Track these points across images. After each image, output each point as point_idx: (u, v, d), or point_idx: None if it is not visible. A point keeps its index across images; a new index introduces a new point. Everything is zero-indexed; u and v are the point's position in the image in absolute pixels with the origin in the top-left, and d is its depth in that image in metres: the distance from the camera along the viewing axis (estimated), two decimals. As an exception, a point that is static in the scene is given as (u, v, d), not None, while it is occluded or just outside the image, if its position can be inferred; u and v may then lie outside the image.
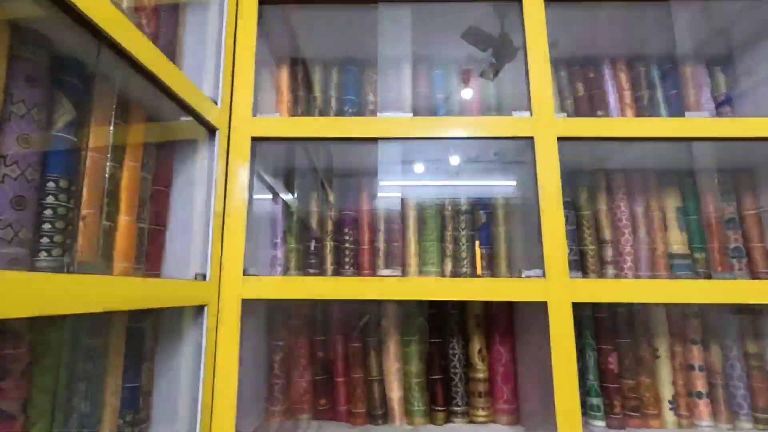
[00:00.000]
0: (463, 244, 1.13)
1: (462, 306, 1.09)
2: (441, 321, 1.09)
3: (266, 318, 1.10)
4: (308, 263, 1.13)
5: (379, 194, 1.16)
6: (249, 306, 0.88)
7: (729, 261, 1.09)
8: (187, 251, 0.83)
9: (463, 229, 1.13)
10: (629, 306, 1.07)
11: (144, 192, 0.76)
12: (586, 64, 1.20)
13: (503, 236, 1.13)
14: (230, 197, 0.88)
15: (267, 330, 1.09)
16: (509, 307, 1.10)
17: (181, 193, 0.85)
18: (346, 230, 1.15)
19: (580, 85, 1.19)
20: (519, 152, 1.17)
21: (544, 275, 0.84)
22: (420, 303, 1.09)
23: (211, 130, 0.87)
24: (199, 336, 0.78)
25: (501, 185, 1.21)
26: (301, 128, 0.92)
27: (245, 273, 0.86)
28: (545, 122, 0.90)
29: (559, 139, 0.89)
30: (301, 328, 1.10)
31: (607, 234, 1.12)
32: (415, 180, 1.21)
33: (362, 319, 1.08)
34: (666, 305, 1.07)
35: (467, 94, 1.21)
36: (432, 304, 1.09)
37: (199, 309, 0.79)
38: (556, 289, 0.82)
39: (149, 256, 0.78)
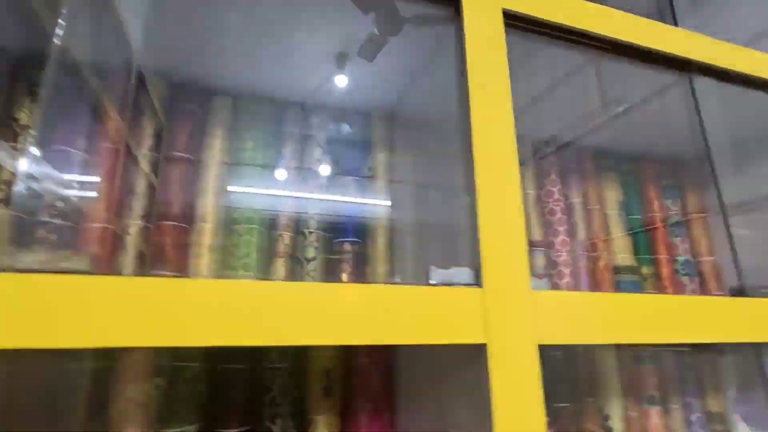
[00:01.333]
0: (311, 234, 0.60)
1: (298, 354, 0.55)
2: (253, 389, 0.52)
3: None
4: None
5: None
6: None
7: (679, 277, 0.79)
8: None
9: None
10: (570, 348, 0.67)
11: None
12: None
13: (383, 223, 0.64)
14: None
15: None
16: (386, 350, 0.60)
17: None
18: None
19: None
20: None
21: (478, 282, 0.36)
22: (209, 348, 0.51)
23: None
24: None
25: (375, 204, 0.72)
26: None
27: None
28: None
29: (507, 17, 0.45)
30: None
31: (536, 231, 0.73)
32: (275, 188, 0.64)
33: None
34: (618, 346, 0.70)
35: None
36: (234, 351, 0.52)
37: None
38: (508, 314, 0.35)
39: None
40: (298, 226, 0.60)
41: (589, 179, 0.79)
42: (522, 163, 0.74)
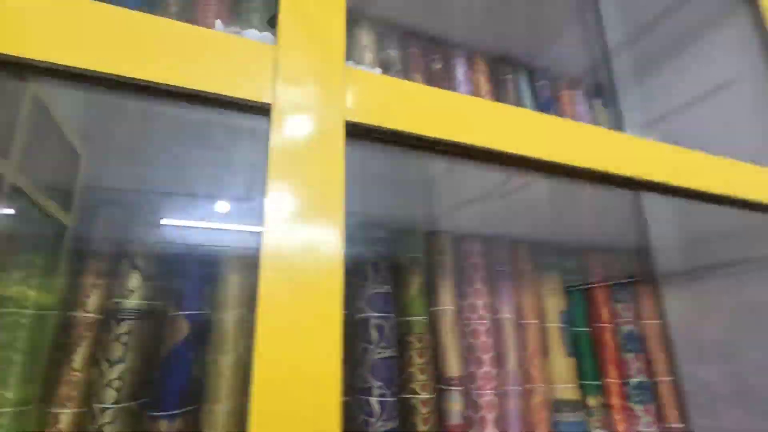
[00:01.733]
0: (104, 410, 0.40)
1: None
2: None
3: None
4: None
5: None
6: None
7: (631, 406, 0.64)
8: None
9: (119, 321, 0.41)
10: None
11: None
12: (433, 47, 0.68)
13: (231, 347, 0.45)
14: None
15: None
16: None
17: None
18: None
19: (417, 77, 0.66)
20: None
21: None
22: None
23: None
24: None
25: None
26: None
27: None
28: (308, 62, 0.28)
29: (350, 130, 0.28)
30: None
31: (454, 365, 0.55)
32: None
33: None
34: None
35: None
36: None
37: None
38: None
39: None
40: (89, 399, 0.40)
41: (524, 284, 0.63)
42: (439, 268, 0.58)
